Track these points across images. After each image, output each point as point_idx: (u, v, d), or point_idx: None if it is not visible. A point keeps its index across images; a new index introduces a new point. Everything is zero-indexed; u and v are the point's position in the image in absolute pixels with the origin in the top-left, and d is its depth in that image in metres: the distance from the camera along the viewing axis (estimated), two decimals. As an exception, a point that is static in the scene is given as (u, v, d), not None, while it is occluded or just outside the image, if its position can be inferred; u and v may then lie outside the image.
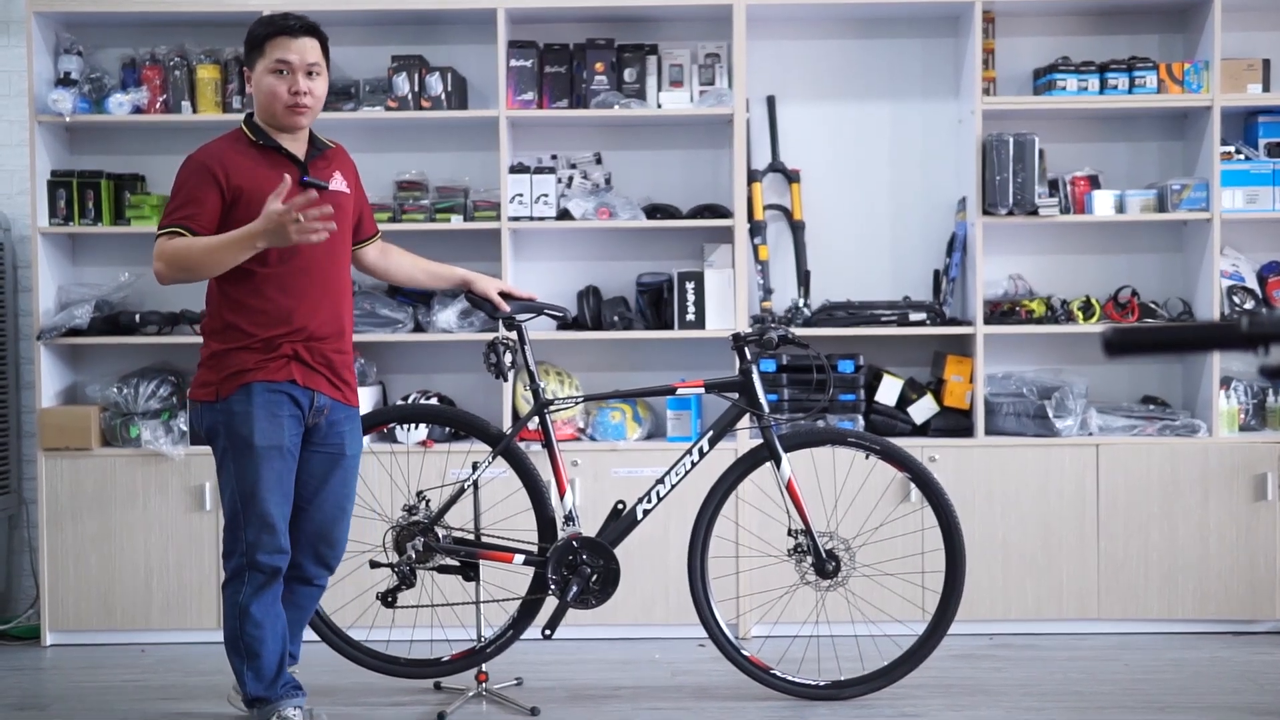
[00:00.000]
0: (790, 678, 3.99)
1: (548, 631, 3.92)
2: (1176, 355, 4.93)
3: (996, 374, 4.86)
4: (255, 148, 3.54)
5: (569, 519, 3.94)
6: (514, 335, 3.97)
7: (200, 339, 3.67)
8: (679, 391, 4.10)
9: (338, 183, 3.64)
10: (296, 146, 3.58)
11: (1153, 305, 4.85)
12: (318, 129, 4.99)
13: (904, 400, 4.75)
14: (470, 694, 4.01)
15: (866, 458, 4.05)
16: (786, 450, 3.92)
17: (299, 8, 4.72)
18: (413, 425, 4.66)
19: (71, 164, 4.92)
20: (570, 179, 4.93)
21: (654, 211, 4.85)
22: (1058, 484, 4.66)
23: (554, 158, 4.97)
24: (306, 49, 3.51)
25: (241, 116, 4.65)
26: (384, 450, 4.61)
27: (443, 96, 4.76)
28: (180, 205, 3.44)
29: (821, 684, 3.99)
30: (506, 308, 3.93)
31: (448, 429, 4.62)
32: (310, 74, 3.52)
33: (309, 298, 3.50)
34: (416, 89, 4.76)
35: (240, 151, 3.52)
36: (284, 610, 3.67)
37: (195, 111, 4.80)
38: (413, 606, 4.03)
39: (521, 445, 4.10)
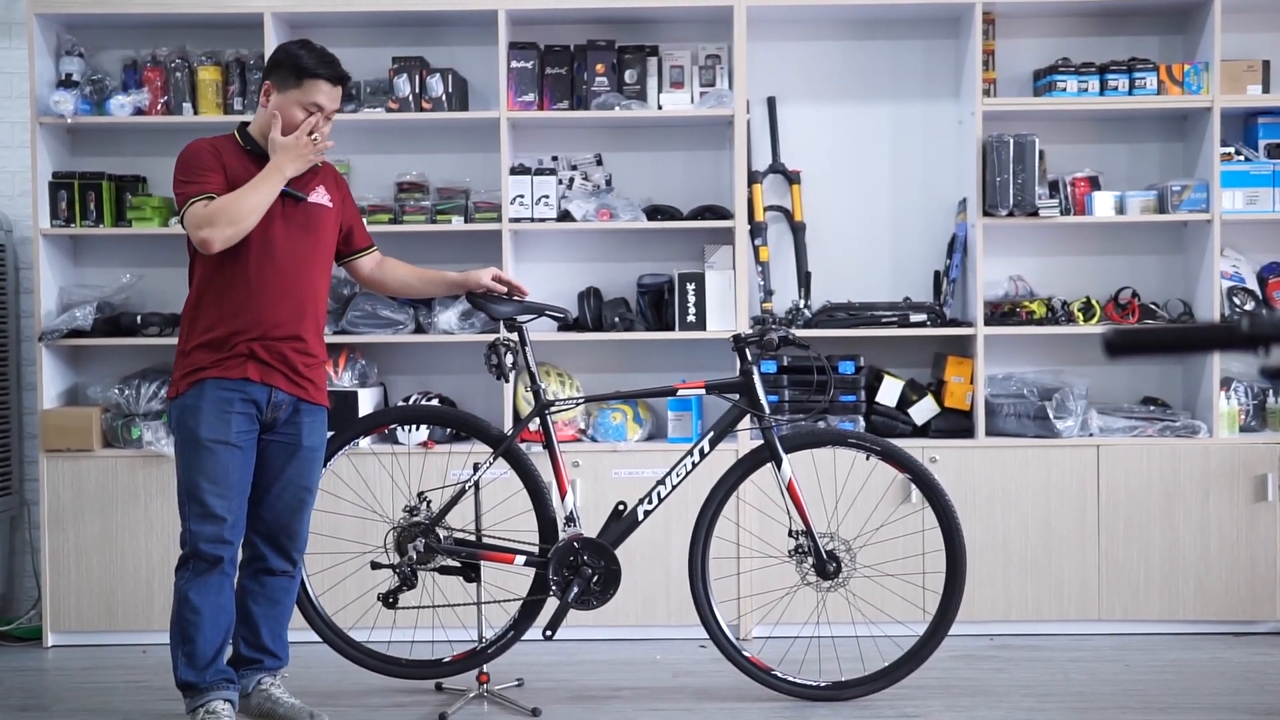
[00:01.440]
0: (791, 678, 3.99)
1: (549, 632, 3.92)
2: (1177, 356, 4.94)
3: (997, 375, 4.86)
4: (245, 152, 3.71)
5: (570, 520, 3.95)
6: (515, 336, 3.98)
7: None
8: (680, 393, 4.11)
9: (319, 196, 3.77)
10: None
11: (1153, 306, 4.85)
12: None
13: (904, 401, 4.75)
14: (471, 695, 4.02)
15: (867, 459, 4.06)
16: (787, 451, 3.93)
17: (301, 10, 4.76)
18: (414, 426, 4.66)
19: (73, 165, 4.92)
20: (571, 180, 4.94)
21: (655, 213, 4.86)
22: (1058, 485, 4.66)
23: (555, 159, 4.98)
24: (338, 97, 3.73)
25: (244, 118, 4.71)
26: (385, 451, 4.62)
27: (443, 98, 4.77)
28: (196, 179, 3.61)
29: (822, 685, 3.99)
30: (501, 289, 3.98)
31: (449, 430, 4.62)
32: (329, 118, 3.73)
33: (269, 298, 3.62)
34: (417, 90, 4.77)
35: (233, 150, 3.70)
36: (259, 605, 3.79)
37: (196, 113, 4.80)
38: (414, 607, 4.03)
39: (522, 446, 4.10)
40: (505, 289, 4.00)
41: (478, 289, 4.00)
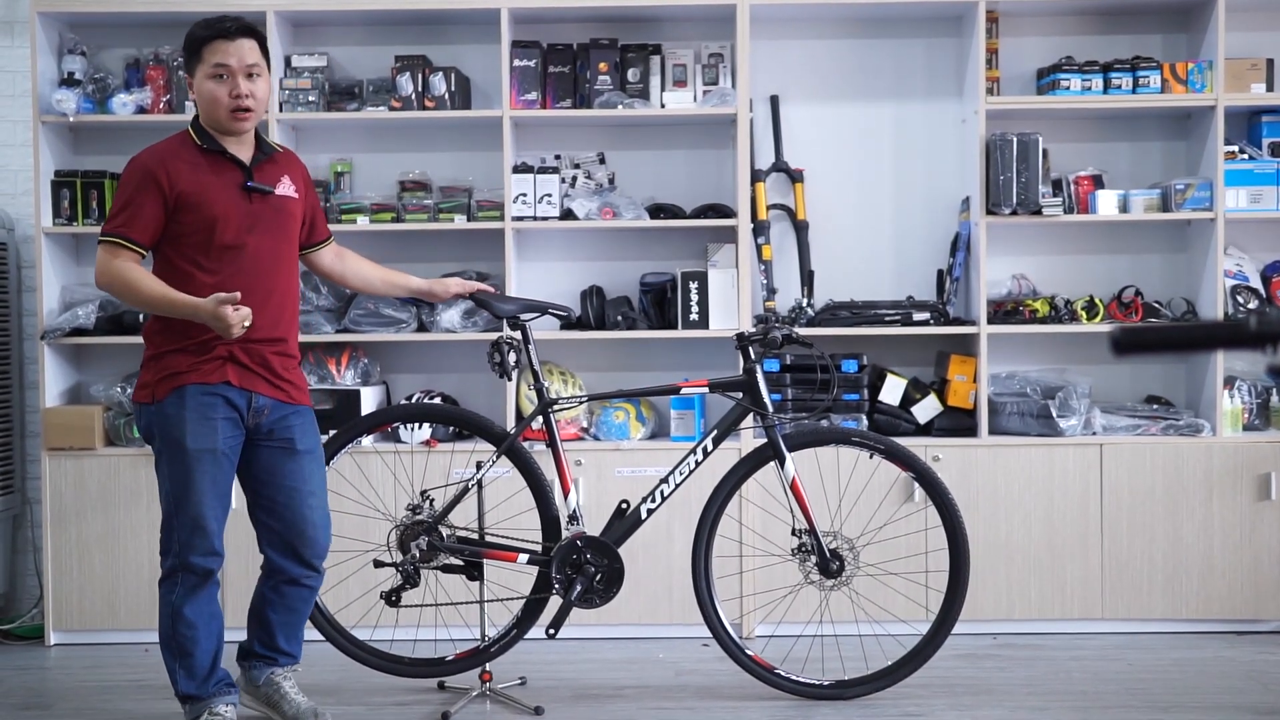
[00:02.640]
0: (794, 677, 3.99)
1: (552, 631, 3.92)
2: (1184, 354, 4.93)
3: (1000, 374, 4.86)
4: (201, 151, 3.53)
5: (573, 518, 3.94)
6: (518, 335, 3.98)
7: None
8: (683, 391, 4.11)
9: (285, 187, 3.63)
10: (242, 150, 3.58)
11: (1156, 305, 4.85)
12: (323, 128, 5.02)
13: (908, 400, 4.75)
14: (474, 693, 4.01)
15: (870, 457, 4.05)
16: (790, 450, 3.92)
17: (304, 8, 4.76)
18: (417, 424, 4.66)
19: (75, 164, 4.92)
20: (574, 179, 4.93)
21: (657, 211, 4.85)
22: (1062, 484, 4.66)
23: (557, 158, 4.97)
24: (244, 51, 3.49)
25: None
26: (388, 450, 4.62)
27: (446, 96, 4.76)
28: (120, 211, 3.48)
29: (825, 683, 3.99)
30: (495, 293, 3.99)
31: (452, 428, 4.62)
32: (250, 75, 3.50)
33: (249, 301, 3.43)
34: (420, 89, 4.77)
35: (185, 155, 3.52)
36: (276, 613, 3.73)
37: (199, 111, 4.80)
38: (417, 606, 4.03)
39: (525, 445, 4.10)
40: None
41: (444, 298, 4.01)
